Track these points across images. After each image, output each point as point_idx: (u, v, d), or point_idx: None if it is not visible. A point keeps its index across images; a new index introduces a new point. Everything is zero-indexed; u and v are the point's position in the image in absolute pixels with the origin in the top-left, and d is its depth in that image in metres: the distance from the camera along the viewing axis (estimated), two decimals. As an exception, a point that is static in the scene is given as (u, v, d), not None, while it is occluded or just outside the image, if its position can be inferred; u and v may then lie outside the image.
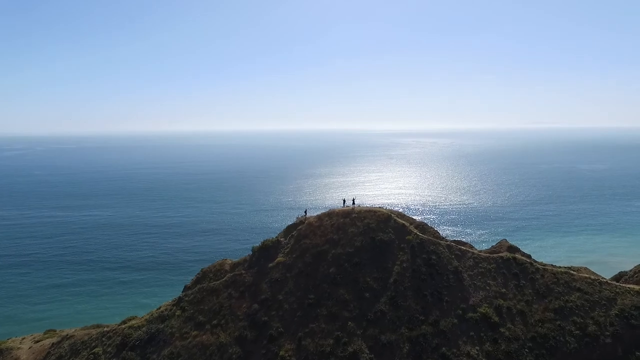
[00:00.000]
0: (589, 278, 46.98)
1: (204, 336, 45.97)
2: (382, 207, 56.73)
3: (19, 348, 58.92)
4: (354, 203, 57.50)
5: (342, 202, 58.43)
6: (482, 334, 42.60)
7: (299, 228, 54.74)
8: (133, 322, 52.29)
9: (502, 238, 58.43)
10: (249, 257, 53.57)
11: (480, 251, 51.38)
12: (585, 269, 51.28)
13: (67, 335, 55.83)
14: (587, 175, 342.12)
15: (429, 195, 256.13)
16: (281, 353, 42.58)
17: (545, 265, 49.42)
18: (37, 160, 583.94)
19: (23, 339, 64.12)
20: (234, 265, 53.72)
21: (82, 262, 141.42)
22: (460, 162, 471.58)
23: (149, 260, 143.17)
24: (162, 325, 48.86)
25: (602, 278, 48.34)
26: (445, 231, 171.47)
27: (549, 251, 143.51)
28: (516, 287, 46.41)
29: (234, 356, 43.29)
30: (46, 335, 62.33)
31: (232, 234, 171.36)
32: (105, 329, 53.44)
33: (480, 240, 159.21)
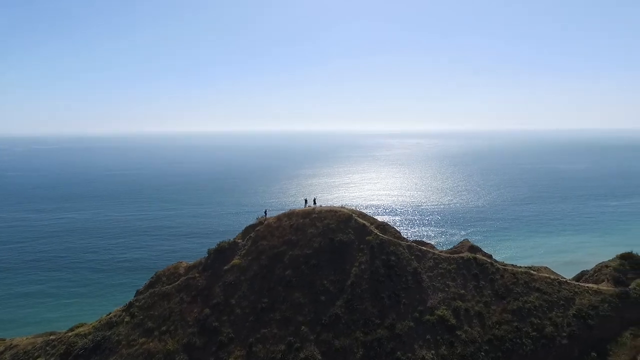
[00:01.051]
0: (549, 278, 46.22)
1: (151, 343, 43.75)
2: (344, 207, 55.25)
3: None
4: (314, 203, 55.91)
5: (304, 202, 56.79)
6: (438, 337, 41.35)
7: (257, 229, 52.91)
8: (81, 329, 49.76)
9: (465, 238, 57.48)
10: (204, 260, 51.50)
11: (442, 251, 50.27)
12: (546, 268, 50.59)
13: (11, 344, 52.87)
14: (568, 176, 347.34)
15: (412, 196, 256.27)
16: (230, 360, 40.67)
17: (505, 265, 48.56)
18: (15, 161, 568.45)
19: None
20: (189, 268, 51.60)
21: (54, 268, 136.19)
22: (443, 163, 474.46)
23: (128, 263, 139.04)
24: (110, 333, 46.47)
25: (562, 278, 47.65)
26: (427, 232, 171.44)
27: (528, 251, 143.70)
28: (475, 288, 45.36)
29: (180, 364, 41.19)
30: (-7, 344, 59.07)
31: (214, 236, 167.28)
32: (51, 337, 50.72)
33: (458, 240, 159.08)
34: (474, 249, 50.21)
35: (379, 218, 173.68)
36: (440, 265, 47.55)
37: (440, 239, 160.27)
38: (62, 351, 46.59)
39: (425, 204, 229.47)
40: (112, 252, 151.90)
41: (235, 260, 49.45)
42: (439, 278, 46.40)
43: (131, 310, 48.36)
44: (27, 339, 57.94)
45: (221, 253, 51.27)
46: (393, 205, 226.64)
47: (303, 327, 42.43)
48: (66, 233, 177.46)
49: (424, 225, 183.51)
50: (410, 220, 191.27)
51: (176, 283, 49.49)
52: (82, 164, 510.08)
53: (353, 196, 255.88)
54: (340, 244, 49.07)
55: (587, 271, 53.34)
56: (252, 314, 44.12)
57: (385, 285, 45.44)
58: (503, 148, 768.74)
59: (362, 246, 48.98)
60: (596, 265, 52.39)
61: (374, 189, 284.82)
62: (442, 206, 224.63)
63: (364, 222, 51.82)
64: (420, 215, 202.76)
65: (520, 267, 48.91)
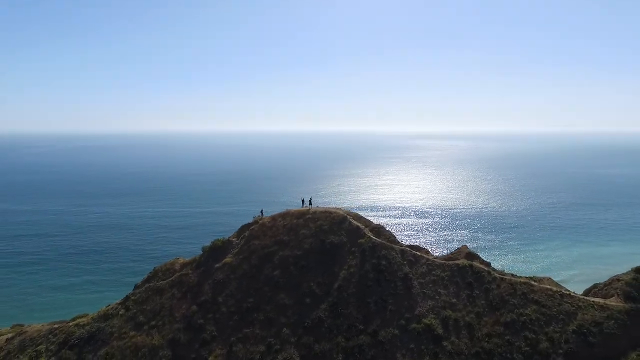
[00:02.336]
0: (550, 290, 43.25)
1: (139, 337, 44.78)
2: (339, 208, 54.33)
3: (-21, 342, 59.30)
4: (310, 203, 55.28)
5: (301, 202, 56.31)
6: (423, 347, 39.69)
7: (251, 228, 53.03)
8: (81, 319, 51.71)
9: (463, 244, 54.87)
10: (199, 257, 52.18)
11: (437, 257, 48.28)
12: (549, 279, 47.39)
13: (22, 331, 55.76)
14: (610, 180, 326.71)
15: (444, 199, 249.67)
16: (210, 358, 40.90)
17: (504, 274, 45.92)
18: (58, 157, 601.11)
19: (-10, 332, 64.71)
20: (184, 265, 52.45)
21: (88, 262, 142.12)
22: (480, 166, 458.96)
23: (161, 259, 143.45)
24: (105, 324, 47.99)
25: (565, 290, 44.45)
26: (456, 235, 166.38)
27: (572, 266, 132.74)
28: (468, 298, 43.18)
29: (163, 359, 41.85)
30: (8, 330, 62.63)
31: None
32: (55, 325, 53.07)
33: (493, 246, 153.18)
34: (471, 255, 47.84)
35: (407, 221, 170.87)
36: (433, 272, 45.66)
37: (470, 244, 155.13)
38: (61, 340, 48.60)
39: (457, 207, 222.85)
40: (146, 246, 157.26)
41: (227, 259, 49.75)
42: (431, 285, 44.56)
43: (127, 303, 49.76)
44: (41, 326, 61.04)
45: (215, 251, 51.77)
46: (423, 208, 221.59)
47: (285, 329, 42.01)
48: (101, 227, 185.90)
49: (453, 228, 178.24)
50: (440, 224, 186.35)
51: (170, 279, 50.45)
52: (122, 161, 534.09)
53: (383, 198, 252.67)
54: (331, 246, 48.23)
55: (599, 284, 49.56)
56: (237, 313, 44.19)
57: (373, 290, 44.18)
58: (539, 151, 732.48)
59: (353, 249, 47.92)
60: (609, 279, 48.58)
61: (405, 191, 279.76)
62: (474, 210, 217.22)
63: (358, 224, 50.68)
64: (451, 218, 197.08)
65: (520, 277, 46.09)
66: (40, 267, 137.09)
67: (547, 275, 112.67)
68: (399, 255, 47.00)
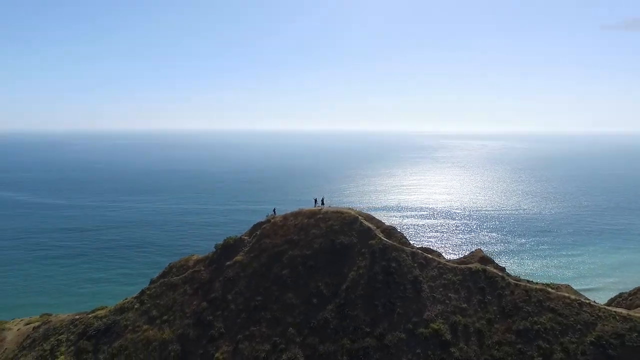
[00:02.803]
0: (568, 298, 41.22)
1: (151, 331, 45.99)
2: (351, 209, 53.80)
3: (10, 329, 62.58)
4: (322, 203, 55.03)
5: (314, 201, 56.17)
6: (429, 352, 38.75)
7: (263, 227, 53.38)
8: (100, 311, 53.66)
9: (478, 247, 52.96)
10: (212, 254, 53.02)
11: (449, 261, 46.97)
12: (567, 286, 45.17)
13: (47, 320, 58.44)
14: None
15: (473, 200, 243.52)
16: (217, 355, 41.51)
17: (519, 280, 44.13)
18: (101, 154, 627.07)
19: (21, 320, 68.16)
20: (197, 262, 53.45)
21: (121, 256, 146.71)
22: (510, 167, 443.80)
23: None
24: (120, 317, 49.58)
25: (585, 299, 42.28)
26: (482, 238, 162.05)
27: (609, 274, 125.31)
28: (479, 303, 41.79)
29: (172, 354, 42.84)
30: (37, 319, 65.75)
31: None
32: (76, 316, 55.31)
33: (523, 249, 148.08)
34: (485, 260, 46.29)
35: (433, 222, 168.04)
36: (444, 276, 44.48)
37: (496, 247, 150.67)
38: (80, 330, 50.61)
39: (486, 209, 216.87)
40: (176, 242, 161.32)
41: (238, 257, 50.30)
42: (441, 289, 43.41)
43: (142, 297, 51.21)
44: (66, 316, 63.77)
45: (227, 249, 52.46)
46: (451, 209, 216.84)
47: (291, 328, 42.02)
48: (134, 223, 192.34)
49: (481, 230, 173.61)
50: (467, 225, 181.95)
51: (183, 275, 51.53)
52: (156, 159, 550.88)
53: (409, 199, 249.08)
54: (341, 246, 47.85)
55: (624, 293, 46.84)
56: (245, 311, 44.59)
57: (382, 292, 43.50)
58: (573, 152, 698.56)
59: (363, 250, 47.35)
60: (634, 288, 45.84)
61: (431, 192, 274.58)
62: (504, 212, 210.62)
63: (370, 225, 50.03)
64: (479, 220, 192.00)
65: (537, 283, 44.18)
66: (77, 260, 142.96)
67: (582, 282, 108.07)
68: (410, 258, 46.06)
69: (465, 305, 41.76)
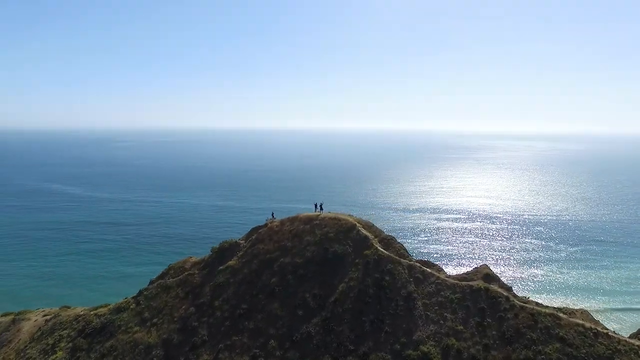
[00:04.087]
0: (581, 326, 36.35)
1: (139, 333, 45.79)
2: (350, 215, 50.96)
3: (29, 319, 65.39)
4: (321, 209, 52.52)
5: (314, 206, 53.77)
6: (415, 378, 35.49)
7: (259, 231, 51.82)
8: (101, 309, 54.47)
9: (483, 264, 47.99)
10: (207, 257, 52.19)
11: (449, 276, 43.07)
12: (583, 312, 39.86)
13: (59, 313, 60.35)
14: None
15: (515, 204, 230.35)
16: (196, 363, 40.39)
17: (526, 302, 39.57)
18: (144, 151, 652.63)
19: (42, 311, 71.21)
20: (194, 264, 52.80)
21: (157, 252, 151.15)
22: (560, 169, 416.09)
23: None
24: (116, 317, 49.87)
25: (603, 328, 37.07)
26: (524, 244, 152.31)
27: None
28: (478, 326, 37.82)
29: (155, 359, 42.25)
30: (54, 311, 68.27)
31: None
32: (81, 312, 56.56)
33: (570, 258, 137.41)
34: (489, 277, 41.94)
35: (472, 226, 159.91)
36: (441, 293, 40.78)
37: (539, 254, 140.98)
38: (80, 327, 51.57)
39: (530, 214, 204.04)
40: (211, 238, 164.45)
41: (231, 262, 49.07)
42: (436, 307, 39.79)
43: (138, 298, 51.33)
44: (81, 309, 65.67)
45: (223, 252, 51.39)
46: (491, 213, 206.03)
47: (272, 341, 40.13)
48: (172, 219, 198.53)
49: (521, 236, 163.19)
50: (507, 230, 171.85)
51: (178, 277, 51.06)
52: (197, 156, 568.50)
53: (448, 202, 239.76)
54: (334, 255, 45.27)
55: (655, 323, 40.77)
56: (230, 318, 43.22)
57: (371, 307, 40.57)
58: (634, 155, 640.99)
59: (357, 260, 44.53)
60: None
61: (472, 195, 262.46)
62: (550, 217, 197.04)
63: (367, 233, 47.03)
64: (521, 225, 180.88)
65: (546, 307, 39.38)
66: (115, 253, 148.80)
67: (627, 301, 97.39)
68: (406, 271, 42.69)
69: (462, 327, 37.96)
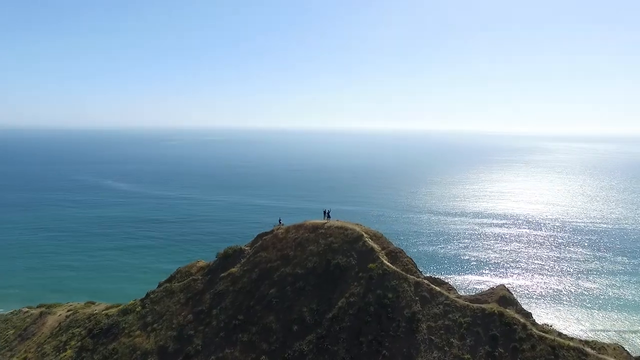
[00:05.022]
0: (610, 365, 31.17)
1: (140, 338, 45.37)
2: (358, 224, 47.74)
3: (54, 313, 67.79)
4: (328, 217, 49.71)
5: (323, 213, 51.05)
6: (411, 410, 31.99)
7: (264, 238, 49.93)
8: (112, 309, 54.99)
9: (500, 284, 42.68)
10: (212, 263, 51.06)
11: (460, 297, 38.85)
12: (617, 348, 34.16)
13: (77, 310, 61.93)
14: None
15: (569, 210, 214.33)
16: (187, 374, 39.11)
17: (547, 331, 34.71)
18: (188, 150, 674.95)
19: (70, 305, 73.72)
20: (199, 269, 51.88)
21: (197, 250, 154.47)
22: (623, 174, 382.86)
23: None
24: (122, 319, 49.96)
25: (637, 369, 31.59)
26: (573, 253, 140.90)
27: None
28: (487, 356, 33.58)
29: (148, 366, 41.51)
30: (79, 306, 70.34)
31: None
32: (95, 310, 57.49)
33: (625, 271, 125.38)
34: (506, 300, 37.31)
35: (517, 232, 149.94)
36: (449, 315, 36.78)
37: (588, 265, 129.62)
38: (90, 327, 52.23)
39: (584, 221, 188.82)
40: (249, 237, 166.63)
41: (233, 269, 47.57)
42: (442, 332, 35.89)
43: (144, 300, 51.15)
44: (104, 306, 67.09)
45: (227, 258, 50.04)
46: (540, 219, 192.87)
47: (264, 356, 38.03)
48: (210, 218, 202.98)
49: (572, 245, 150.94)
50: (556, 238, 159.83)
51: (182, 282, 50.32)
52: (244, 155, 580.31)
53: (494, 206, 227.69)
54: (336, 268, 42.41)
55: None
56: (225, 329, 41.62)
57: (371, 327, 37.37)
58: None
59: (360, 274, 41.42)
60: None
61: (520, 199, 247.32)
62: (607, 225, 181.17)
63: (374, 245, 43.71)
64: (572, 232, 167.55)
65: (572, 339, 34.27)
66: (159, 250, 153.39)
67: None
68: (412, 289, 39.04)
69: (469, 356, 33.90)
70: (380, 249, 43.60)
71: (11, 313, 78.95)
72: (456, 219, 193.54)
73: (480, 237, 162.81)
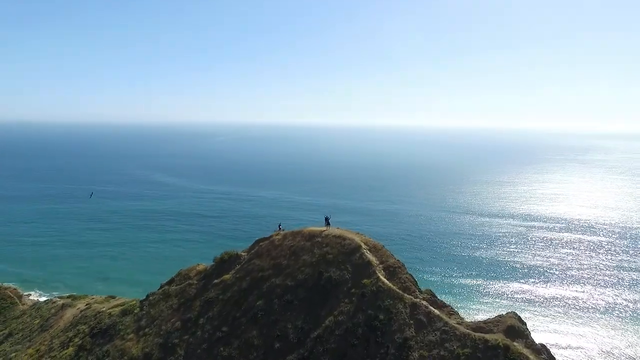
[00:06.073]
0: None
1: (130, 342, 44.48)
2: (359, 234, 43.74)
3: (74, 306, 69.57)
4: (328, 223, 46.09)
5: (325, 220, 47.47)
6: None
7: (260, 244, 47.31)
8: (116, 309, 54.90)
9: (511, 310, 36.65)
10: (209, 268, 49.25)
11: (461, 323, 33.96)
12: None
13: (90, 305, 62.89)
14: None
15: (628, 216, 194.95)
16: (165, 387, 37.41)
17: (560, 374, 29.18)
18: (232, 145, 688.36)
19: (92, 298, 75.64)
20: (198, 273, 50.27)
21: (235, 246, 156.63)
22: None
23: None
24: (120, 320, 49.54)
25: None
26: (627, 261, 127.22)
27: None
28: (484, 398, 28.80)
29: (132, 373, 40.32)
30: (99, 299, 71.79)
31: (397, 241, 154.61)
32: (102, 308, 57.85)
33: None
34: (514, 330, 31.99)
35: (570, 236, 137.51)
36: (446, 344, 32.16)
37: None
38: (93, 325, 52.41)
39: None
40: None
41: (226, 276, 45.42)
42: (436, 363, 31.42)
43: (143, 302, 50.42)
44: (108, 304, 67.55)
45: (222, 264, 48.00)
46: (596, 224, 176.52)
47: (241, 375, 35.44)
48: (251, 214, 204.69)
49: (630, 253, 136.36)
50: (613, 245, 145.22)
51: (179, 286, 48.97)
52: (288, 151, 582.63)
53: (544, 209, 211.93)
54: (327, 282, 38.91)
55: None
56: (208, 341, 39.53)
57: (357, 351, 33.62)
58: None
59: (353, 290, 37.66)
60: None
61: (574, 202, 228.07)
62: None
63: (371, 259, 39.67)
64: (633, 239, 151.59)
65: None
66: (195, 244, 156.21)
67: None
68: (406, 311, 34.75)
69: (463, 395, 29.28)
70: (377, 262, 39.52)
71: (44, 302, 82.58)
72: (502, 221, 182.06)
73: (528, 241, 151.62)
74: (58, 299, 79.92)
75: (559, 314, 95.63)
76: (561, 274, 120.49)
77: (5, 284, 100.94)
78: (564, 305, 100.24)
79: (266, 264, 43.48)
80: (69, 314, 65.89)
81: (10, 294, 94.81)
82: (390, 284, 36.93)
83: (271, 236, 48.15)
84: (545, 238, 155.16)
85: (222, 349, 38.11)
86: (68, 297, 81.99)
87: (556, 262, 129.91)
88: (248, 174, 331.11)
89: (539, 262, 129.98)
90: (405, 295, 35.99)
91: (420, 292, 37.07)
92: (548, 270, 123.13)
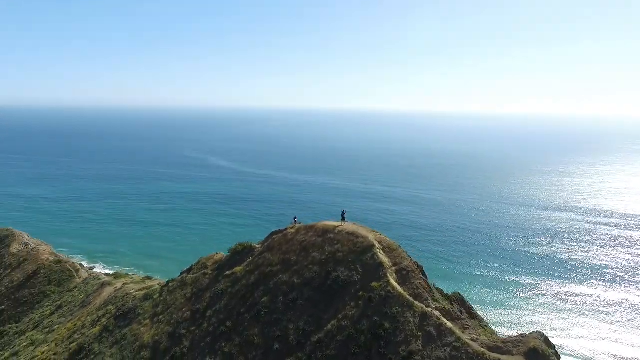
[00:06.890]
0: None
1: (145, 328, 44.88)
2: (375, 231, 40.30)
3: (113, 285, 72.46)
4: (343, 219, 43.02)
5: (341, 214, 44.35)
6: None
7: (273, 237, 45.42)
8: (139, 292, 55.98)
9: (536, 330, 31.31)
10: (224, 258, 48.35)
11: (476, 339, 29.83)
12: None
13: (122, 286, 65.06)
14: None
15: None
16: (167, 378, 37.09)
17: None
18: (288, 130, 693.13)
19: (130, 278, 78.65)
20: (215, 262, 49.61)
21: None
22: None
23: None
24: (141, 304, 50.32)
25: None
26: None
27: None
28: None
29: (141, 360, 40.54)
30: (136, 279, 74.32)
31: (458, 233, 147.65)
32: (133, 289, 59.41)
33: None
34: (536, 354, 27.40)
35: (632, 234, 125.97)
36: (456, 364, 28.45)
37: None
38: (119, 306, 53.85)
39: None
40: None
41: (238, 268, 44.14)
42: (441, 385, 27.88)
43: (163, 288, 50.80)
44: (144, 286, 69.32)
45: (236, 255, 46.83)
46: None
47: (238, 374, 34.07)
48: (288, 200, 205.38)
49: None
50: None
51: (195, 275, 48.63)
52: (335, 136, 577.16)
53: (615, 205, 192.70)
54: (335, 282, 36.20)
55: None
56: (212, 335, 38.56)
57: (357, 361, 30.85)
58: None
59: (360, 293, 34.68)
60: None
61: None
62: None
63: (384, 259, 36.31)
64: None
65: None
66: (243, 228, 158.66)
67: None
68: (415, 321, 31.25)
69: None
70: (390, 264, 36.11)
71: (92, 277, 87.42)
72: (563, 215, 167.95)
73: (590, 238, 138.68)
74: (104, 276, 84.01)
75: (622, 328, 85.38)
76: (630, 277, 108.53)
77: (71, 257, 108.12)
78: (629, 319, 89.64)
79: (276, 259, 41.58)
80: (106, 292, 68.64)
81: (70, 267, 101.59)
82: (400, 290, 33.51)
83: (286, 229, 46.11)
84: (610, 235, 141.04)
85: (224, 344, 36.98)
86: (113, 274, 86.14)
87: (624, 264, 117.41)
88: (299, 160, 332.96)
89: (603, 262, 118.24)
90: (416, 303, 32.42)
91: (435, 299, 33.30)
92: (612, 272, 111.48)
